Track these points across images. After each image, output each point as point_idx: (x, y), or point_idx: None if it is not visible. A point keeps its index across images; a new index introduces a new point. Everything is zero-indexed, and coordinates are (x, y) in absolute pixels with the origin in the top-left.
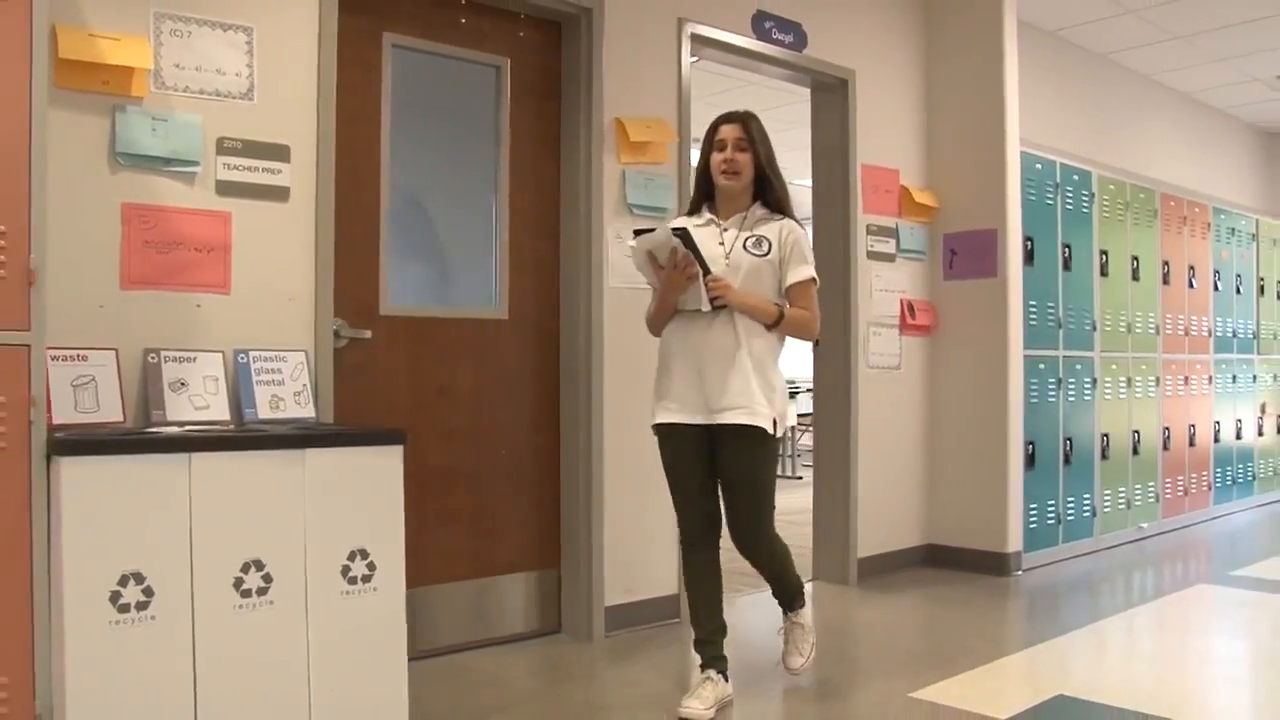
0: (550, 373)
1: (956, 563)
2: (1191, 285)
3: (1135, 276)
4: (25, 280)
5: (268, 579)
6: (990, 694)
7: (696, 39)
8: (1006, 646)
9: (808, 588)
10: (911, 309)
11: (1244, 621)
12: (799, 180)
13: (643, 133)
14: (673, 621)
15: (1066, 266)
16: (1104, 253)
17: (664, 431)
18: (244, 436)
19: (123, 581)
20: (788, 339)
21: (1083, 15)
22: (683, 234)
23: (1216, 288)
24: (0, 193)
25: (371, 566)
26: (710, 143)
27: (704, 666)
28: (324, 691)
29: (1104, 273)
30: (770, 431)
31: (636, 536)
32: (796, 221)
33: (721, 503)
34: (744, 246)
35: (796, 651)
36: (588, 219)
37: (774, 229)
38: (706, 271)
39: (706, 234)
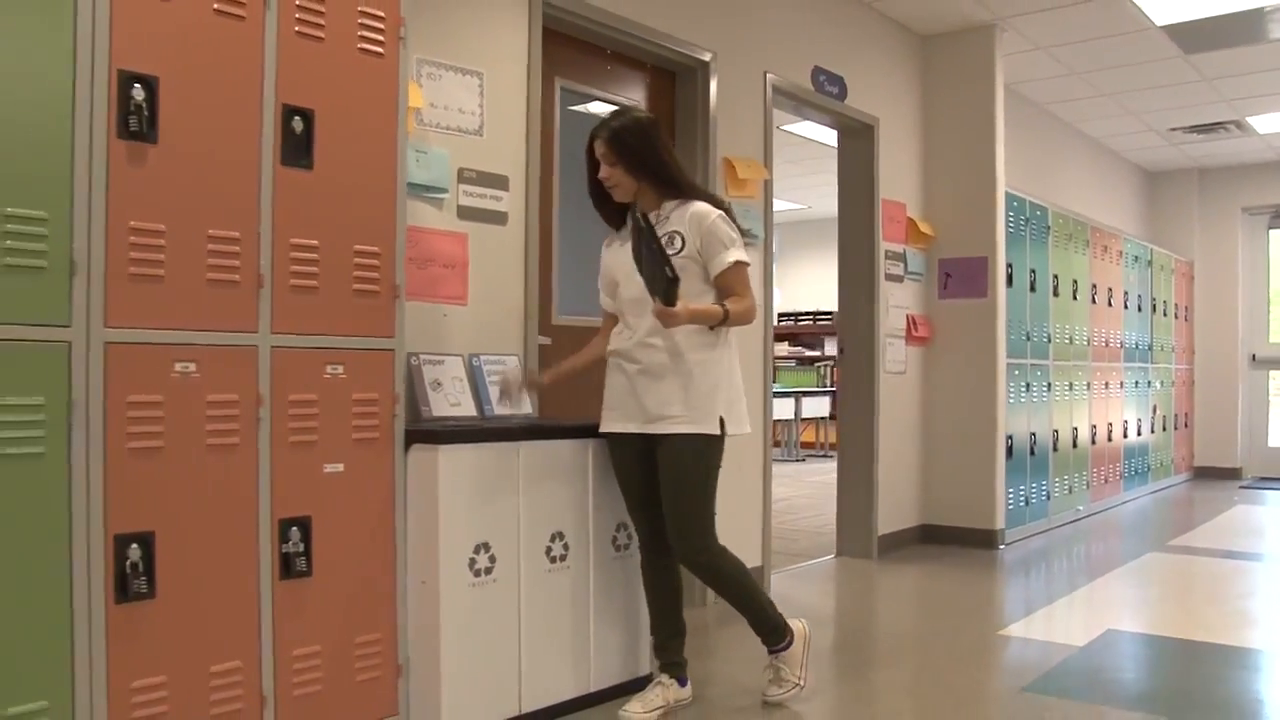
0: None
1: (949, 539)
2: (1110, 304)
3: (1075, 296)
4: (393, 294)
5: (565, 547)
6: (1056, 631)
7: (776, 90)
8: (1039, 600)
9: (830, 563)
10: (914, 323)
11: (1198, 576)
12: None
13: (746, 171)
14: None
15: (1032, 288)
16: (1055, 276)
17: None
18: (551, 427)
19: (477, 550)
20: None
21: (1034, 73)
22: (673, 280)
23: (1126, 306)
24: (376, 220)
25: (629, 536)
26: (588, 159)
27: (660, 670)
28: (601, 634)
29: (1055, 293)
30: (703, 434)
31: (723, 515)
32: (718, 204)
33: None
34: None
35: (776, 682)
36: None
37: (683, 219)
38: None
39: (627, 247)
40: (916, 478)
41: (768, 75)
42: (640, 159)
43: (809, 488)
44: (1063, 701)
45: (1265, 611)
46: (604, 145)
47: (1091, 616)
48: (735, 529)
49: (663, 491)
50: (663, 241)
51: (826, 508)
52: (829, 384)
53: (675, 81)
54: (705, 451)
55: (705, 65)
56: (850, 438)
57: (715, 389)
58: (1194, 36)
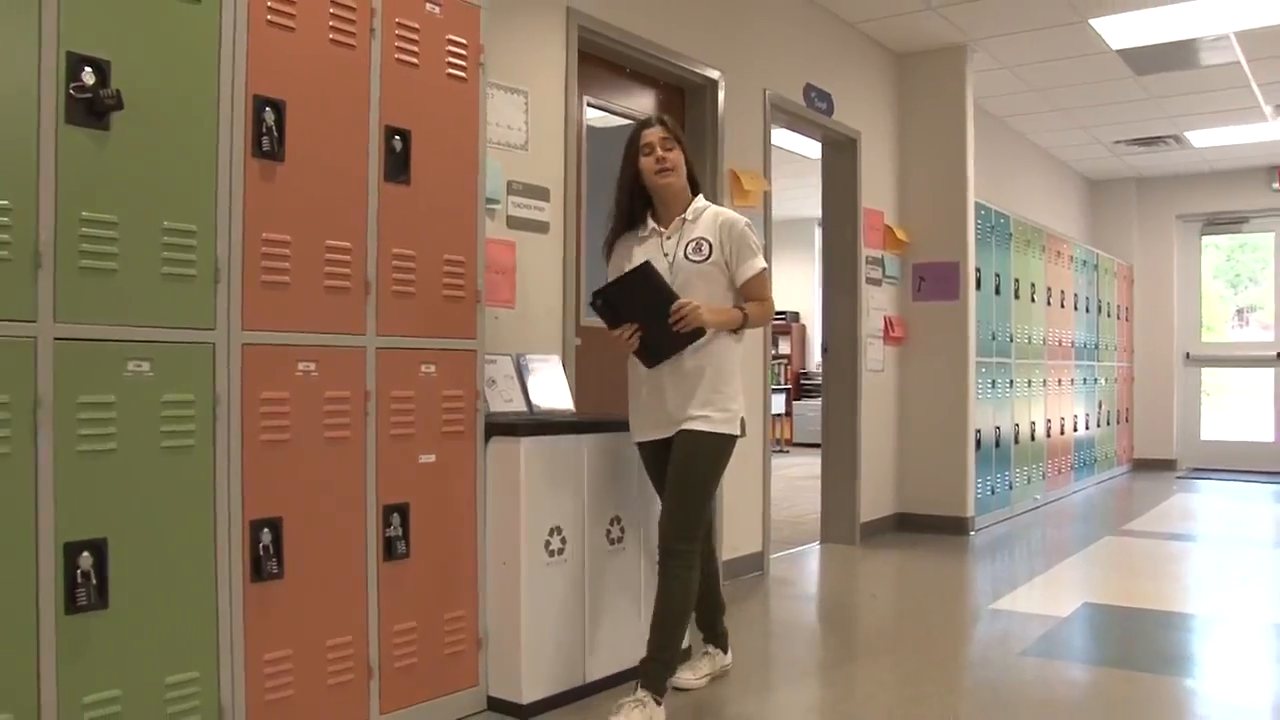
0: None
1: (924, 526)
2: (1062, 306)
3: (1032, 299)
4: (475, 299)
5: (622, 530)
6: (1040, 604)
7: (773, 105)
8: (1017, 579)
9: (816, 549)
10: (891, 324)
11: (1150, 556)
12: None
13: (750, 183)
14: (756, 574)
15: (997, 291)
16: (1016, 280)
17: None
18: (610, 421)
19: (551, 533)
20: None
21: (997, 89)
22: (643, 271)
23: (1075, 308)
24: (461, 231)
25: None
26: (635, 151)
27: (704, 641)
28: (650, 610)
29: (1016, 296)
30: (724, 434)
31: (727, 505)
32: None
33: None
34: (685, 255)
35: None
36: None
37: (710, 227)
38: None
39: (650, 247)
40: (893, 469)
41: (766, 92)
42: (685, 153)
43: (776, 481)
44: (1057, 662)
45: (1206, 584)
46: (667, 131)
47: (1067, 592)
48: (738, 518)
49: (669, 477)
50: (689, 248)
51: (798, 499)
52: (784, 381)
53: (684, 98)
54: (721, 451)
55: (714, 83)
56: (834, 432)
57: (736, 391)
58: (1144, 59)
